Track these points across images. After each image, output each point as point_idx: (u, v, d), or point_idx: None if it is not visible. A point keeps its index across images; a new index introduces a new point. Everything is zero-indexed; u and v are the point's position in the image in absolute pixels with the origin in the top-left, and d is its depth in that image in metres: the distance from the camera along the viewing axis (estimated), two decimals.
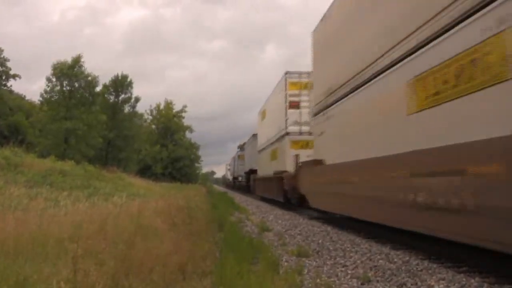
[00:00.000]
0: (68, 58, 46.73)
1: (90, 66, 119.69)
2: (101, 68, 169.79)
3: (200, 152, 78.88)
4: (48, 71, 46.58)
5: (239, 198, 40.09)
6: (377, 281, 8.09)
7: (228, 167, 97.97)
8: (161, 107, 74.62)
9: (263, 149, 33.81)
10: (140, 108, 72.54)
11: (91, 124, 45.42)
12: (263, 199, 35.51)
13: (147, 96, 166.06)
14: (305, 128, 23.22)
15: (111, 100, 56.43)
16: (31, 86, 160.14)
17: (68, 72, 45.59)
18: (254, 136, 43.52)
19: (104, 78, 56.95)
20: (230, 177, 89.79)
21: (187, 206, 16.37)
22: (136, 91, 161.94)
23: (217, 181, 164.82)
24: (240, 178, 64.93)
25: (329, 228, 15.61)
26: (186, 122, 76.47)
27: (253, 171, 43.84)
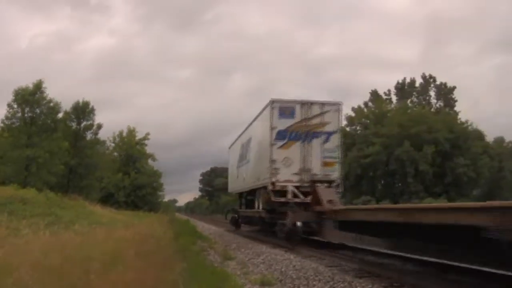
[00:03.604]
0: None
1: (59, 92, 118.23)
2: (70, 94, 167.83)
3: (162, 180, 78.37)
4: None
5: (201, 226, 39.95)
6: None
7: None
8: (124, 134, 74.16)
9: None
10: (107, 134, 71.87)
11: (53, 151, 44.87)
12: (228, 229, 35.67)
13: (115, 122, 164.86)
14: None
15: (73, 127, 55.77)
16: None
17: (29, 98, 45.11)
18: None
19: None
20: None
21: (150, 235, 16.27)
22: (104, 117, 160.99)
23: (179, 209, 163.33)
24: None
25: (292, 257, 15.67)
26: (151, 149, 76.16)
27: None
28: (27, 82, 46.56)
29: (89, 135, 57.65)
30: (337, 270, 12.52)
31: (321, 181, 19.89)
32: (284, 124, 21.24)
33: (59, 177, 48.33)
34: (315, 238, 19.39)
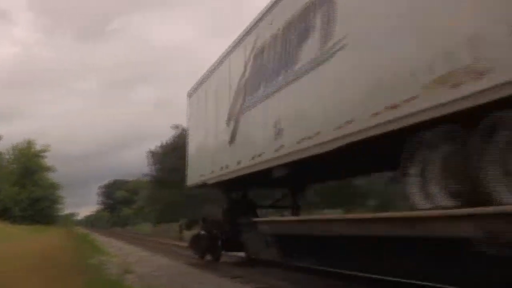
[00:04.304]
0: None
1: None
2: None
3: (63, 193, 76.24)
4: None
5: (101, 239, 39.30)
6: None
7: None
8: (22, 146, 71.76)
9: None
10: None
11: None
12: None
13: (17, 134, 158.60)
14: None
15: None
16: None
17: None
18: None
19: None
20: None
21: (46, 249, 15.77)
22: (9, 129, 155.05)
23: (79, 222, 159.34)
24: None
25: (194, 270, 15.63)
26: (52, 161, 73.91)
27: None
28: None
29: None
30: (239, 283, 12.53)
31: None
32: None
33: None
34: None
